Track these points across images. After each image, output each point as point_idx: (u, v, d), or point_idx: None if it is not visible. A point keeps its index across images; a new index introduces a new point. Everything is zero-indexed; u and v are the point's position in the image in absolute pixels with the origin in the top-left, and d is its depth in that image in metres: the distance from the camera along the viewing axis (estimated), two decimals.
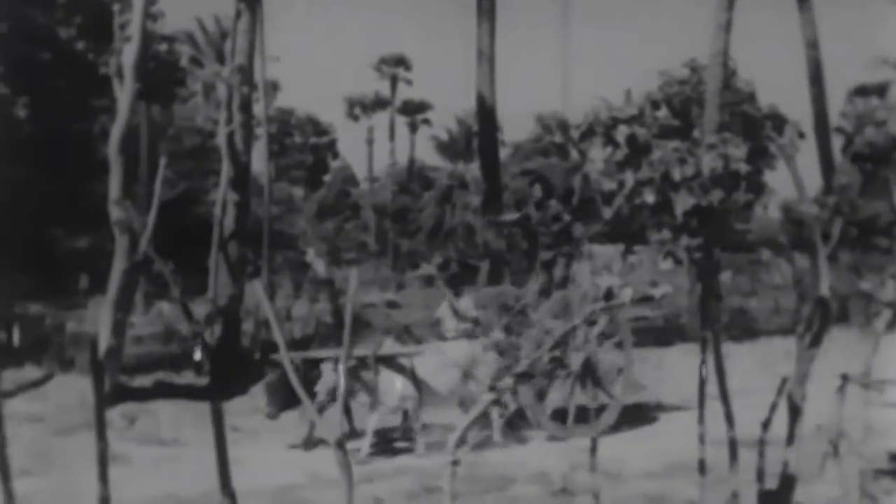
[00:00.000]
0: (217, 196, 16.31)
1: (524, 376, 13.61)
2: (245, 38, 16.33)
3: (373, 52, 24.28)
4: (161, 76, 17.85)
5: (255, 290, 12.70)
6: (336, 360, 13.52)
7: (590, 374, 14.91)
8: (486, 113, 19.72)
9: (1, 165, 15.71)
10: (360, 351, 13.91)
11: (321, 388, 13.70)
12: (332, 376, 13.65)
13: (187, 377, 16.06)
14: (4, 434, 10.31)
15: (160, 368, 15.98)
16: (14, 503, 8.98)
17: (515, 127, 24.13)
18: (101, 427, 10.66)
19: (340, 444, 9.72)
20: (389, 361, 14.12)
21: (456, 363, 14.32)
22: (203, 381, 15.90)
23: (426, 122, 25.97)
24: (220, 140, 15.44)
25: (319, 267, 19.22)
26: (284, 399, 13.28)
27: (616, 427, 14.63)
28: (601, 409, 14.78)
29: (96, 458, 8.66)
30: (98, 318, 14.75)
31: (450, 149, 26.72)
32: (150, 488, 11.83)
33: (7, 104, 15.89)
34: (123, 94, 14.54)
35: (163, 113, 20.17)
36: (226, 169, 15.54)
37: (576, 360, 14.85)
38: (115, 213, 14.01)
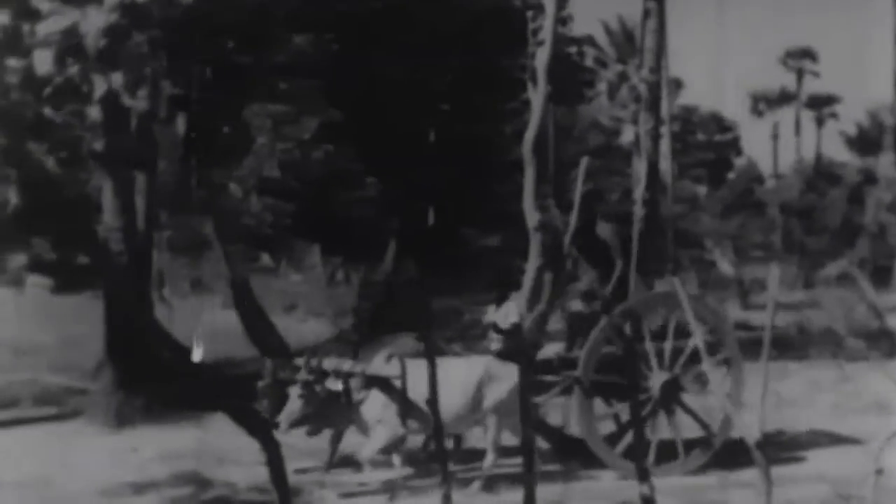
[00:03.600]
0: (621, 195, 16.52)
1: None
2: (652, 37, 16.38)
3: (778, 45, 23.59)
4: (570, 78, 18.26)
5: (675, 286, 12.53)
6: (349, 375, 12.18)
7: (674, 399, 12.82)
8: None
9: (419, 169, 16.64)
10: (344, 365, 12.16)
11: (285, 413, 11.84)
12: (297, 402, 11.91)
13: None
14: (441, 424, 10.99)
15: None
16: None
17: None
18: (525, 413, 11.09)
19: (760, 446, 9.58)
20: (379, 381, 12.19)
21: (463, 384, 12.16)
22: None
23: (833, 115, 24.91)
24: (640, 139, 15.58)
25: (724, 265, 18.94)
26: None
27: None
28: (697, 444, 12.91)
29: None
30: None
31: (859, 143, 25.53)
32: None
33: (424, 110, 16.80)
34: (537, 96, 15.00)
35: (568, 113, 20.58)
36: (644, 168, 15.66)
37: (656, 382, 12.84)
38: (532, 212, 14.47)
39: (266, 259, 17.47)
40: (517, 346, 12.62)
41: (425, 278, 14.84)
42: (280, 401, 11.77)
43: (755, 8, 21.20)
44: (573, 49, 18.96)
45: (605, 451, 12.52)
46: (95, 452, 11.81)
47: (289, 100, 15.76)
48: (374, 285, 14.57)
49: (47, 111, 9.64)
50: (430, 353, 11.01)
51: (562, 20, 16.60)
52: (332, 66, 15.74)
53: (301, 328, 15.80)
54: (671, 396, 12.76)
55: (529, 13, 15.55)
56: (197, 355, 12.00)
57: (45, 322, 14.68)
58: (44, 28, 9.04)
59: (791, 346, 16.94)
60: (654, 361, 12.77)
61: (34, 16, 9.04)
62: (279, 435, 11.64)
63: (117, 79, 8.90)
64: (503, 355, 12.52)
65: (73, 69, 9.20)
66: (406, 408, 12.05)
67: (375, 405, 12.15)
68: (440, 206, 16.55)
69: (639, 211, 15.46)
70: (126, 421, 13.49)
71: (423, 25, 15.94)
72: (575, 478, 12.59)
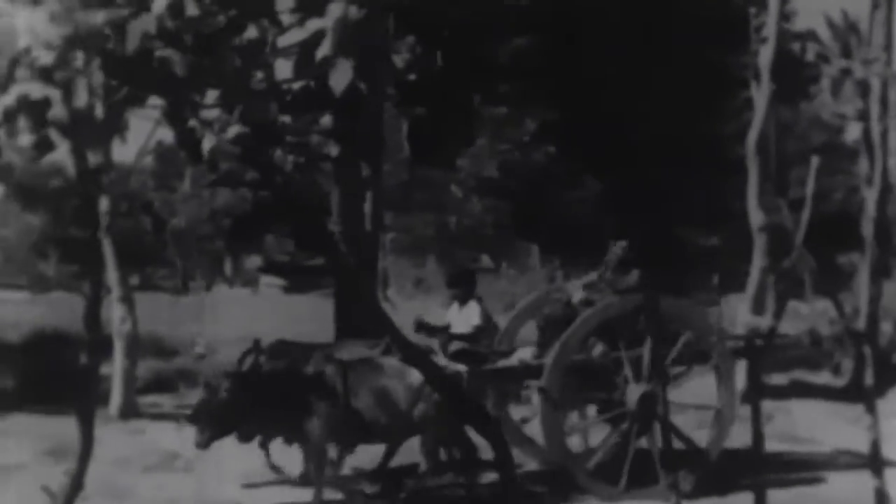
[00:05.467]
0: (845, 193, 16.08)
1: None
2: (881, 30, 15.88)
3: None
4: (792, 75, 17.86)
5: None
6: None
7: (653, 415, 11.22)
8: None
9: (639, 168, 16.56)
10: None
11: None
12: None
13: (823, 377, 15.93)
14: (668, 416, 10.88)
15: (797, 367, 15.99)
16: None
17: None
18: (757, 414, 10.79)
19: None
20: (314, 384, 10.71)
21: (397, 388, 10.81)
22: (839, 381, 15.72)
23: None
24: (870, 135, 15.17)
25: None
26: (213, 424, 10.47)
27: None
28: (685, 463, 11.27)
29: None
30: (735, 316, 15.15)
31: None
32: None
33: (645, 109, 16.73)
34: (760, 94, 14.79)
35: (789, 111, 20.13)
36: (878, 166, 15.25)
37: (632, 396, 11.24)
38: (756, 212, 14.25)
39: (487, 260, 17.71)
40: (476, 352, 11.35)
41: (646, 279, 14.72)
42: (216, 420, 10.58)
43: None
44: (796, 45, 18.51)
45: (575, 470, 11.17)
46: None
47: (509, 101, 15.95)
48: (592, 286, 14.35)
49: (285, 118, 10.02)
50: (659, 361, 10.85)
51: (785, 16, 16.25)
52: (553, 67, 15.84)
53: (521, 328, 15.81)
54: (650, 411, 11.26)
55: (752, 10, 15.31)
56: (199, 349, 11.49)
57: (278, 320, 15.25)
58: (286, 39, 9.43)
59: None
60: (630, 372, 11.31)
61: (278, 27, 9.42)
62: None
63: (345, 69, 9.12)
64: (458, 358, 11.20)
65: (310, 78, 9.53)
66: (341, 418, 10.75)
67: (313, 418, 10.77)
68: (660, 205, 16.44)
69: (871, 211, 14.96)
70: None
71: (644, 25, 15.88)
72: (562, 500, 11.30)
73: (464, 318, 11.66)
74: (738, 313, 15.00)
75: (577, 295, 11.91)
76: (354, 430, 10.83)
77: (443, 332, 11.54)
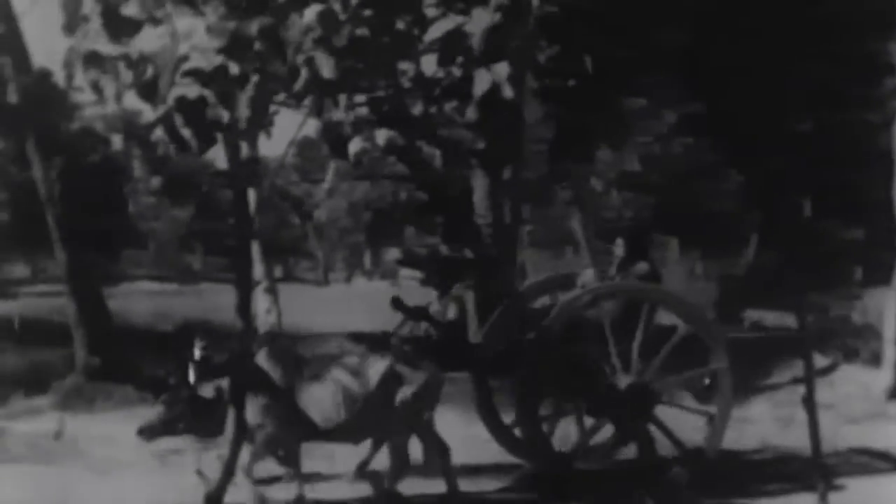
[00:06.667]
0: None
1: None
2: None
3: None
4: None
5: None
6: None
7: (643, 410, 10.71)
8: None
9: (782, 159, 16.32)
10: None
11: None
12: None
13: None
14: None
15: None
16: None
17: None
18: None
19: None
20: (255, 380, 10.52)
21: (359, 386, 10.50)
22: None
23: None
24: None
25: None
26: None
27: None
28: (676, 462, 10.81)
29: None
30: (881, 310, 14.91)
31: None
32: None
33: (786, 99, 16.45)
34: None
35: None
36: None
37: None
38: None
39: None
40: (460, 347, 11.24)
41: (788, 273, 14.53)
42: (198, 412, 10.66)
43: None
44: None
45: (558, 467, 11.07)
46: (455, 437, 11.73)
47: (648, 93, 15.82)
48: (735, 280, 14.15)
49: (432, 110, 10.18)
50: (808, 356, 10.67)
51: None
52: (692, 57, 15.67)
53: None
54: (638, 404, 10.86)
55: None
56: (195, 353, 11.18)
57: None
58: (431, 33, 9.58)
59: None
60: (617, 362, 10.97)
61: (424, 21, 9.58)
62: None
63: (502, 72, 9.24)
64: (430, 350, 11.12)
65: (457, 70, 9.67)
66: (290, 412, 10.63)
67: (254, 409, 10.67)
68: (803, 197, 16.17)
69: None
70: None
71: (784, 12, 15.63)
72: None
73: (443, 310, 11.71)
74: (886, 306, 14.81)
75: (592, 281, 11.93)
76: (300, 428, 10.71)
77: (418, 313, 11.51)
